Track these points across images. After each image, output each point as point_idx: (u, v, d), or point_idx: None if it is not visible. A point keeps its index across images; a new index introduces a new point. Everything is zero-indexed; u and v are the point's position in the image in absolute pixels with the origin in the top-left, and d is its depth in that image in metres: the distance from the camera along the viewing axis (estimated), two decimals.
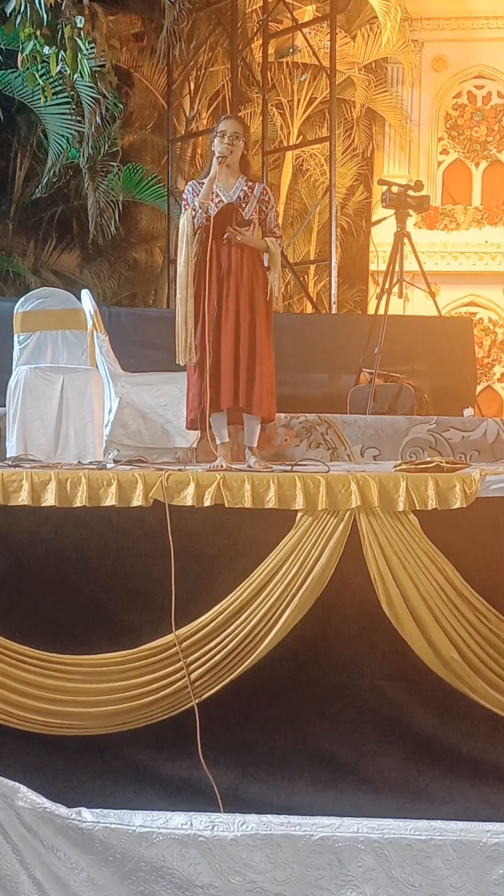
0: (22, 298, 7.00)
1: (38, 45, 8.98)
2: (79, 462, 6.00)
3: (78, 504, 4.73)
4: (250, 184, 5.65)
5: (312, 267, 16.25)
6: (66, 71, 9.29)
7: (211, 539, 4.77)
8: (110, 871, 4.50)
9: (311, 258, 16.08)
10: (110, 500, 4.72)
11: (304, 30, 14.08)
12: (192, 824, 4.51)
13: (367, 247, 16.17)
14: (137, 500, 4.72)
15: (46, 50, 9.02)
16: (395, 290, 8.91)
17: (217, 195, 5.55)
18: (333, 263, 12.98)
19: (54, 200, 14.32)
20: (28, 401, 6.53)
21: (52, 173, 13.32)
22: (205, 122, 15.34)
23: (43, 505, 4.75)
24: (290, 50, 14.87)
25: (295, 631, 4.69)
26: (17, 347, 6.85)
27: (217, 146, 5.55)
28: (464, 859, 4.45)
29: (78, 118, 12.68)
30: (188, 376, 5.66)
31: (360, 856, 4.46)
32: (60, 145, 13.03)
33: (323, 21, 14.09)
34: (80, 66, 9.10)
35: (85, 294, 7.03)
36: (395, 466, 5.27)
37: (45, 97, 10.46)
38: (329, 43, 13.18)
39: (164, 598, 4.69)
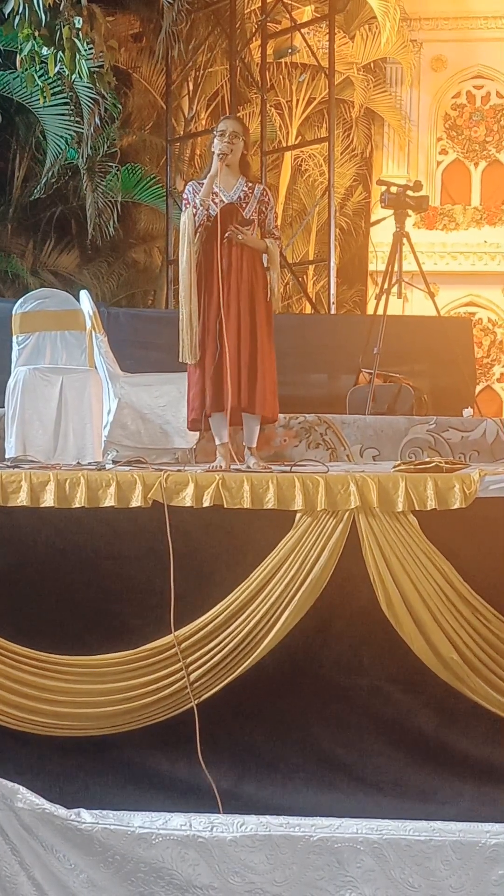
0: (21, 299, 7.00)
1: (36, 46, 8.99)
2: (78, 463, 6.00)
3: (77, 505, 4.73)
4: (250, 185, 5.65)
5: (311, 267, 16.25)
6: (64, 72, 9.31)
7: (210, 540, 4.77)
8: (109, 871, 4.50)
9: (310, 258, 16.08)
10: (109, 501, 4.72)
11: (302, 30, 14.09)
12: (191, 825, 4.51)
13: (366, 247, 16.17)
14: (136, 501, 4.72)
15: (45, 51, 9.04)
16: (395, 290, 8.91)
17: (217, 194, 5.56)
18: (332, 264, 12.99)
19: (53, 201, 14.31)
20: (27, 401, 6.53)
21: (50, 174, 13.32)
22: (203, 122, 15.35)
23: (42, 506, 4.75)
24: (289, 50, 14.87)
25: (294, 632, 4.69)
26: (15, 348, 6.84)
27: (217, 145, 5.56)
28: (463, 860, 4.44)
29: (76, 119, 12.67)
30: (189, 376, 5.66)
31: (360, 856, 4.46)
32: (59, 146, 13.03)
33: (321, 21, 14.09)
34: (78, 67, 9.12)
35: (84, 295, 7.03)
36: (395, 467, 5.26)
37: (44, 98, 10.48)
38: (328, 43, 13.20)
39: (163, 598, 4.69)
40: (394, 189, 8.89)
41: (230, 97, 13.93)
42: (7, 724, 4.71)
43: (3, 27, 9.19)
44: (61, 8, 8.80)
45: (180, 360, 5.56)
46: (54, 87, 11.02)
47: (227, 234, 5.52)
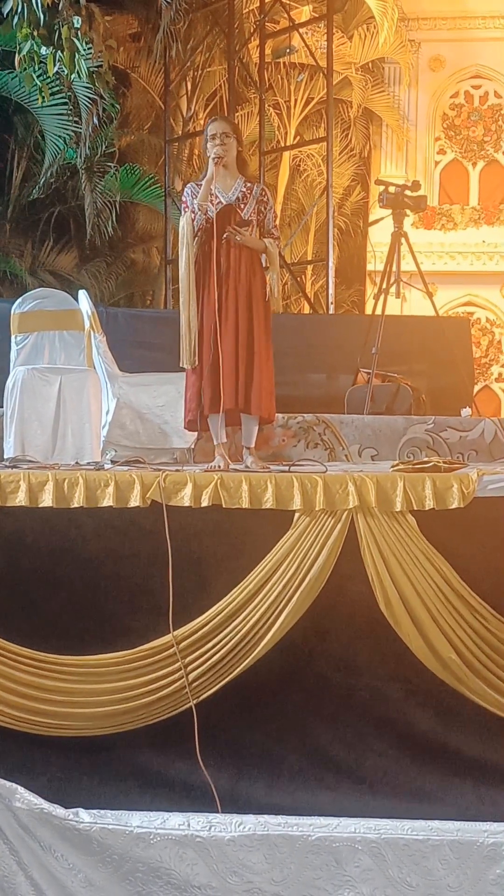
0: (19, 299, 7.00)
1: (35, 46, 8.99)
2: (76, 463, 6.00)
3: (75, 505, 4.73)
4: (249, 184, 5.65)
5: (310, 267, 16.25)
6: (63, 71, 9.31)
7: (208, 539, 4.77)
8: (108, 871, 4.50)
9: (309, 258, 16.08)
10: (108, 501, 4.72)
11: (300, 30, 14.09)
12: (189, 825, 4.51)
13: (364, 247, 16.16)
14: (135, 501, 4.72)
15: (44, 50, 9.04)
16: (393, 290, 8.92)
17: (216, 196, 5.56)
18: (331, 263, 12.99)
19: (52, 201, 14.31)
20: (26, 401, 6.53)
21: (49, 174, 13.32)
22: (202, 122, 15.32)
23: (40, 506, 4.75)
24: (287, 50, 14.87)
25: (292, 631, 4.69)
26: (14, 348, 6.85)
27: (210, 149, 5.56)
28: (461, 859, 4.45)
29: (75, 119, 12.67)
30: (187, 377, 5.67)
31: (358, 856, 4.46)
32: (58, 146, 13.03)
33: (320, 21, 14.09)
34: (77, 67, 9.12)
35: (82, 295, 7.03)
36: (393, 466, 5.27)
37: (43, 98, 10.48)
38: (326, 43, 13.20)
39: (162, 598, 4.69)
40: (392, 189, 8.90)
41: (228, 97, 13.92)
42: (6, 723, 4.71)
43: (2, 27, 9.19)
44: (60, 8, 8.80)
45: (181, 365, 5.57)
46: (53, 86, 11.03)
47: (225, 235, 5.53)
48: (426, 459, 5.51)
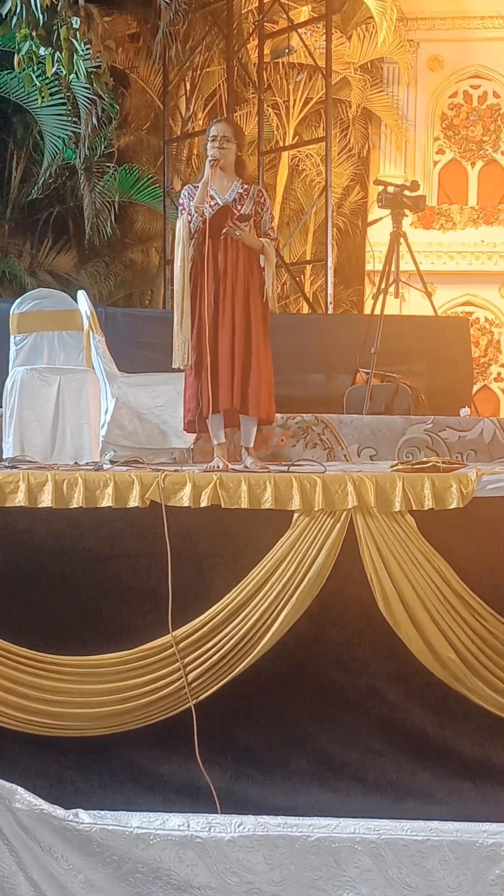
0: (18, 299, 7.00)
1: (34, 46, 8.99)
2: (75, 463, 5.99)
3: (74, 505, 4.73)
4: (246, 186, 5.65)
5: (309, 267, 16.24)
6: (62, 72, 9.31)
7: (207, 540, 4.77)
8: (107, 872, 4.51)
9: (308, 258, 16.08)
10: (107, 501, 4.72)
11: (299, 30, 14.09)
12: (189, 825, 4.51)
13: (363, 247, 16.16)
14: (134, 501, 4.72)
15: (42, 51, 9.04)
16: (392, 290, 8.92)
17: (213, 198, 5.56)
18: (329, 263, 13.00)
19: (50, 201, 14.30)
20: (25, 402, 6.53)
21: (48, 174, 13.31)
22: (201, 122, 15.34)
23: (40, 506, 4.75)
24: (286, 50, 14.87)
25: (292, 632, 4.69)
26: (13, 348, 6.85)
27: (209, 150, 5.56)
28: (460, 860, 4.45)
29: (74, 119, 12.67)
30: (186, 378, 5.66)
31: (357, 856, 4.46)
32: (56, 146, 13.03)
33: (318, 21, 14.09)
34: (76, 67, 9.12)
35: (81, 295, 7.03)
36: (392, 466, 5.27)
37: (42, 98, 10.48)
38: (325, 43, 13.20)
39: (161, 598, 4.69)
40: (391, 189, 8.90)
41: (227, 97, 13.93)
42: (5, 724, 4.71)
43: (1, 27, 9.19)
44: (59, 8, 8.81)
45: (173, 366, 5.57)
46: (51, 87, 11.02)
47: (224, 230, 5.52)
48: (425, 459, 5.51)
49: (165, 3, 12.58)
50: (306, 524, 4.71)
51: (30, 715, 4.70)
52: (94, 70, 9.84)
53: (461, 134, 16.30)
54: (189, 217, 5.53)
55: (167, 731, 4.73)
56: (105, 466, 5.45)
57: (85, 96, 12.22)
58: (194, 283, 5.54)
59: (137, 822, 4.53)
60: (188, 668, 4.68)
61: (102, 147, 13.56)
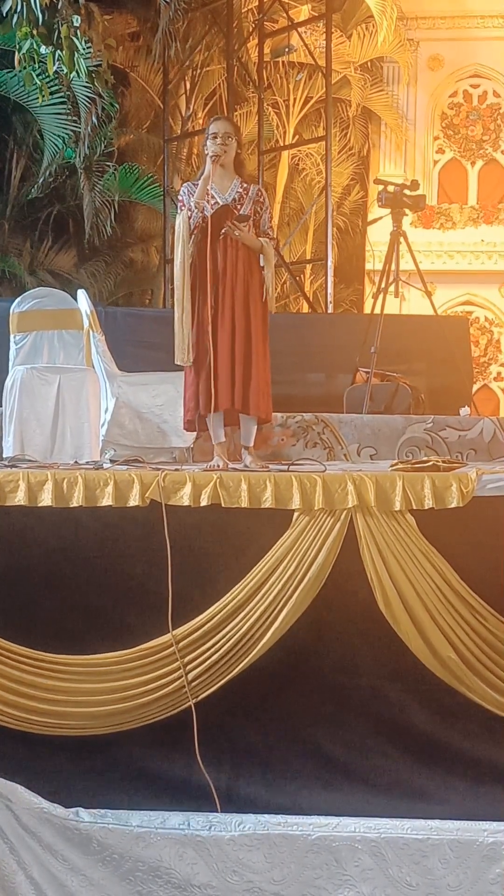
0: (18, 299, 7.00)
1: (34, 45, 8.99)
2: (75, 462, 5.99)
3: (74, 504, 4.73)
4: (245, 185, 5.65)
5: (309, 266, 16.24)
6: (62, 70, 9.31)
7: (207, 539, 4.77)
8: (108, 871, 4.51)
9: (308, 258, 16.08)
10: (107, 501, 4.72)
11: (299, 29, 14.09)
12: (189, 824, 4.52)
13: (363, 246, 16.16)
14: (134, 500, 4.72)
15: (43, 50, 9.04)
16: (392, 289, 8.91)
17: (212, 196, 5.56)
18: (329, 263, 12.99)
19: (50, 200, 14.30)
20: (24, 401, 6.53)
21: (48, 173, 13.31)
22: (201, 121, 15.33)
23: (40, 505, 4.74)
24: (286, 49, 14.87)
25: (292, 631, 4.69)
26: (13, 348, 6.84)
27: (210, 147, 5.56)
28: (461, 858, 4.45)
29: (74, 118, 12.67)
30: (186, 377, 5.67)
31: (358, 855, 4.46)
32: (56, 145, 13.02)
33: (318, 20, 14.09)
34: (76, 66, 9.12)
35: (81, 294, 7.03)
36: (392, 466, 5.27)
37: (43, 96, 10.48)
38: (325, 42, 13.19)
39: (161, 597, 4.69)
40: (391, 188, 8.89)
41: (227, 96, 13.92)
42: (5, 723, 4.71)
43: (1, 26, 9.19)
44: (59, 6, 8.81)
45: (175, 362, 5.57)
46: (52, 86, 11.02)
47: (224, 230, 5.52)
48: (425, 459, 5.50)
49: (165, 2, 12.58)
50: (306, 523, 4.71)
51: (30, 714, 4.70)
52: (95, 69, 9.85)
53: (461, 133, 16.30)
54: (189, 213, 5.53)
55: (167, 730, 4.73)
56: (105, 465, 5.45)
57: (85, 95, 12.22)
58: (193, 282, 5.54)
59: (138, 820, 4.54)
60: (188, 667, 4.68)
61: (102, 146, 13.56)
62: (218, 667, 4.69)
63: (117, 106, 13.56)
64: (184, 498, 4.72)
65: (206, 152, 5.60)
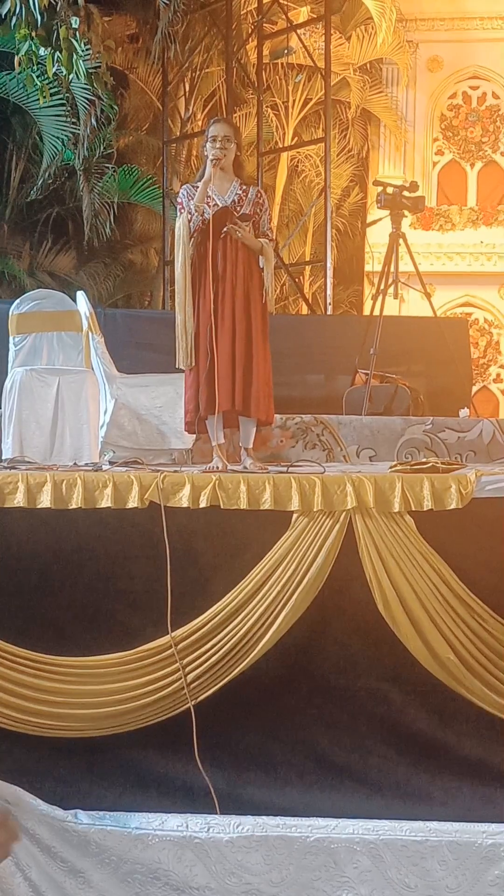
0: (17, 300, 7.00)
1: (34, 47, 9.00)
2: (74, 464, 5.99)
3: (73, 506, 4.73)
4: (245, 188, 5.65)
5: (308, 268, 16.25)
6: (61, 72, 9.32)
7: (207, 540, 4.77)
8: (106, 873, 4.50)
9: (307, 259, 16.09)
10: (106, 502, 4.72)
11: (298, 31, 14.09)
12: (187, 826, 4.51)
13: (362, 248, 16.17)
14: (133, 502, 4.72)
15: (42, 51, 9.05)
16: (391, 290, 8.92)
17: (212, 198, 5.55)
18: (329, 264, 13.00)
19: (50, 202, 14.31)
20: (24, 402, 6.53)
21: (47, 175, 13.32)
22: (200, 123, 15.35)
23: (39, 507, 4.74)
24: (285, 51, 14.88)
25: (291, 632, 4.69)
26: (12, 349, 6.85)
27: (210, 150, 5.56)
28: (459, 860, 4.45)
29: (73, 120, 12.67)
30: (186, 379, 5.66)
31: (356, 857, 4.46)
32: (56, 147, 13.03)
33: (317, 22, 14.10)
34: (75, 68, 9.13)
35: (80, 296, 7.03)
36: (391, 467, 5.27)
37: (43, 98, 10.48)
38: (324, 44, 13.20)
39: (160, 599, 4.69)
40: (390, 190, 8.90)
41: (226, 98, 13.93)
42: (4, 725, 4.71)
43: (0, 28, 9.20)
44: (58, 8, 8.81)
45: (177, 366, 5.57)
46: (51, 87, 11.02)
47: (225, 230, 5.52)
48: (424, 460, 5.51)
49: (164, 3, 12.58)
50: (305, 525, 4.71)
51: (29, 715, 4.69)
52: (94, 70, 9.85)
53: (460, 135, 16.32)
54: (189, 215, 5.53)
55: (166, 732, 4.73)
56: (104, 467, 5.45)
57: (84, 97, 12.22)
58: (194, 284, 5.54)
59: (136, 822, 4.53)
60: (187, 668, 4.67)
61: (101, 148, 13.56)
62: (217, 668, 4.68)
63: (116, 108, 13.55)
64: (183, 499, 4.72)
65: (205, 155, 5.60)
